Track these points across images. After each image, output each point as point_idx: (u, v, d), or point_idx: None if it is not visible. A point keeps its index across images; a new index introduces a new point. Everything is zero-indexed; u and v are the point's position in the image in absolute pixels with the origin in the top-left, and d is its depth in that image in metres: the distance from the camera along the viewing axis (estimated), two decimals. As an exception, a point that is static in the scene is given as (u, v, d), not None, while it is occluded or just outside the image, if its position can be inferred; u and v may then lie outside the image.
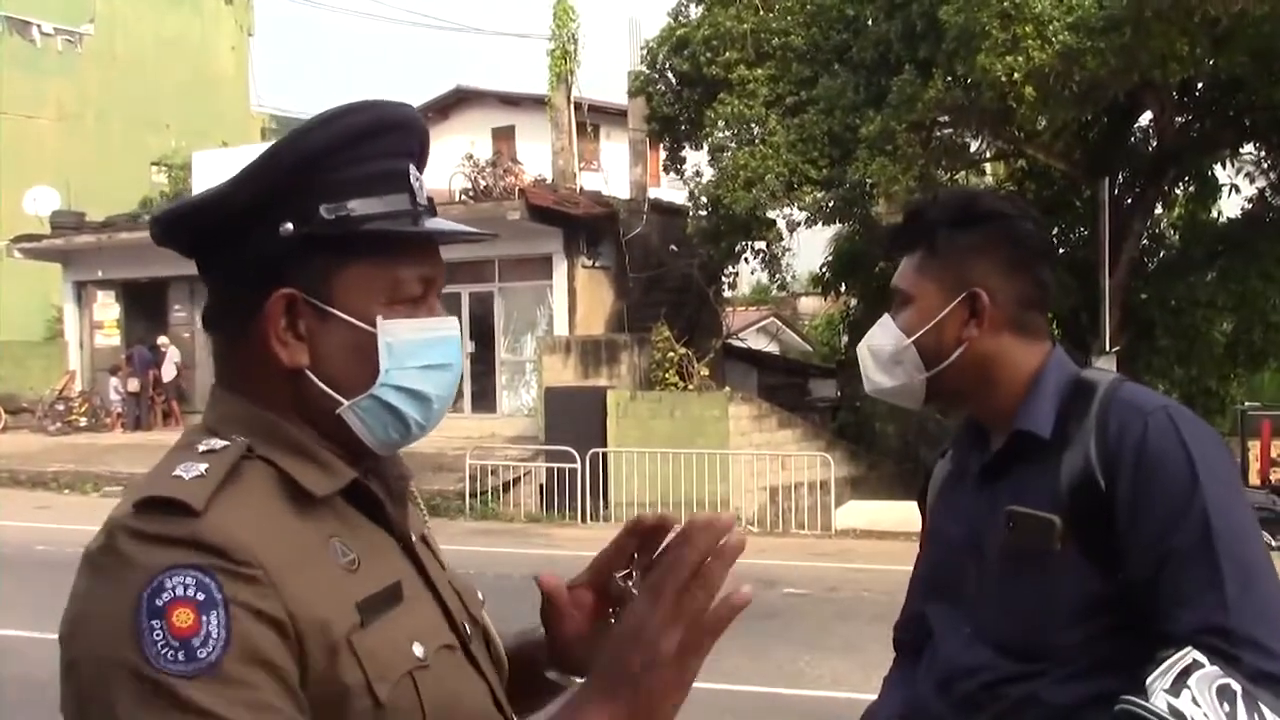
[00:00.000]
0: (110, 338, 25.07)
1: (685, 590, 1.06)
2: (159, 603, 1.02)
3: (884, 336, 1.90)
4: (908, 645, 2.07)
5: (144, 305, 24.36)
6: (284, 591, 1.07)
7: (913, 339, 1.85)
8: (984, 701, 1.77)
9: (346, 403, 1.22)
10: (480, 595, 1.42)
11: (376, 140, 1.24)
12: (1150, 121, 17.90)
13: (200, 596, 1.03)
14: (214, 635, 1.02)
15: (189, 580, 1.03)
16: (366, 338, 1.22)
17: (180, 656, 1.01)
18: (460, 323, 1.44)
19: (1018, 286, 1.85)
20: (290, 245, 1.20)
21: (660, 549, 1.21)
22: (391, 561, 1.24)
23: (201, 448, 1.17)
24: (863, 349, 1.95)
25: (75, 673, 1.05)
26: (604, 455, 16.74)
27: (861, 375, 1.95)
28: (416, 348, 1.24)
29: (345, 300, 1.22)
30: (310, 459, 1.20)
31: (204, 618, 1.02)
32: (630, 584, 1.31)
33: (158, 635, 1.01)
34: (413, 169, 1.28)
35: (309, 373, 1.21)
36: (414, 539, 1.30)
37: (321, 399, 1.22)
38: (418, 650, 1.18)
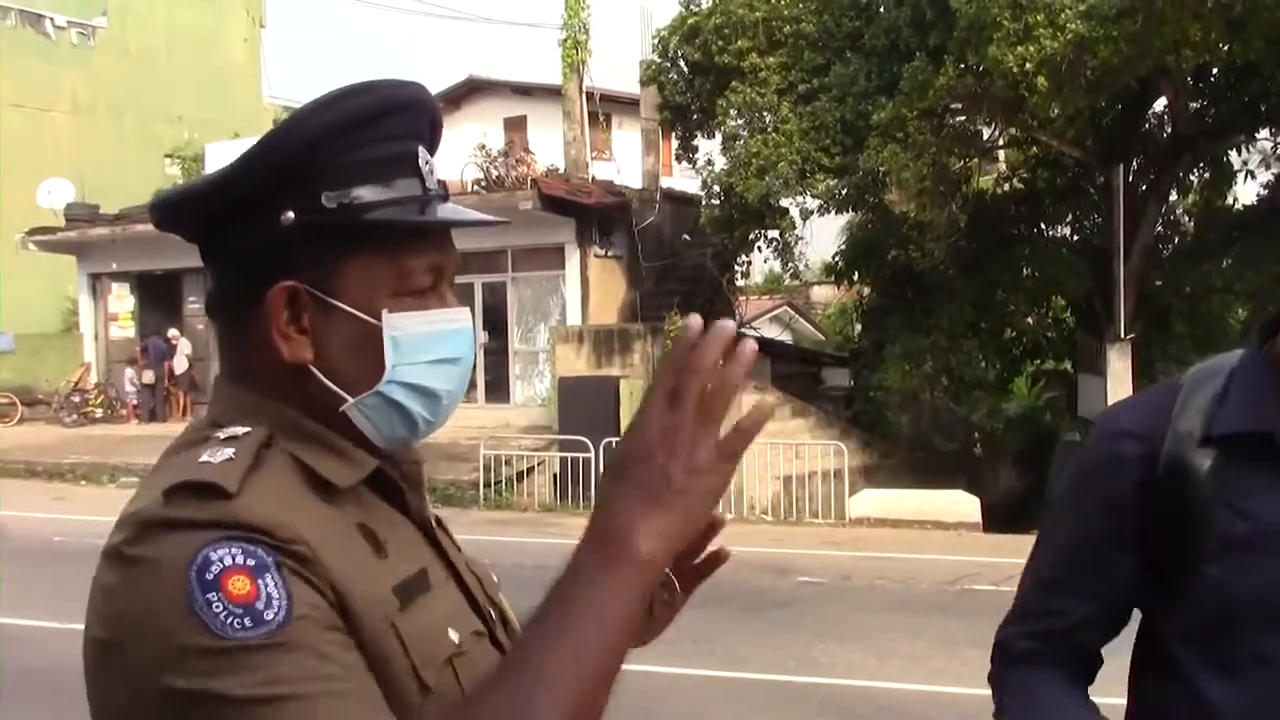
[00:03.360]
0: (125, 329, 25.13)
1: (704, 394, 1.01)
2: (209, 576, 0.97)
3: None
4: (1046, 656, 1.67)
5: (158, 297, 24.42)
6: (330, 569, 1.03)
7: None
8: None
9: (351, 400, 1.17)
10: (495, 578, 1.38)
11: (382, 122, 1.18)
12: (1164, 108, 17.83)
13: (250, 562, 0.98)
14: (275, 595, 0.98)
15: (234, 550, 0.99)
16: (372, 332, 1.16)
17: (247, 622, 0.96)
18: (473, 313, 1.38)
19: None
20: (292, 234, 1.14)
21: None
22: (416, 548, 1.20)
23: (223, 435, 1.12)
24: None
25: (121, 681, 0.99)
26: (617, 444, 16.73)
27: None
28: (424, 341, 1.19)
29: (350, 292, 1.16)
30: (330, 450, 1.15)
31: (260, 581, 0.98)
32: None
33: (218, 607, 0.96)
34: (422, 152, 1.22)
35: (312, 368, 1.16)
36: (433, 524, 1.27)
37: (326, 395, 1.16)
38: (454, 636, 1.15)
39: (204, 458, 1.07)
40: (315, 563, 1.02)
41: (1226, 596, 1.48)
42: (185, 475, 1.05)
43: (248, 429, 1.13)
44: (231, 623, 0.96)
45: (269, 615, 0.97)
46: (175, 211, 1.22)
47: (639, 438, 1.03)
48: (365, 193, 1.16)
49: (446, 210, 1.22)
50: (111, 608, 1.01)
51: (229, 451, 1.08)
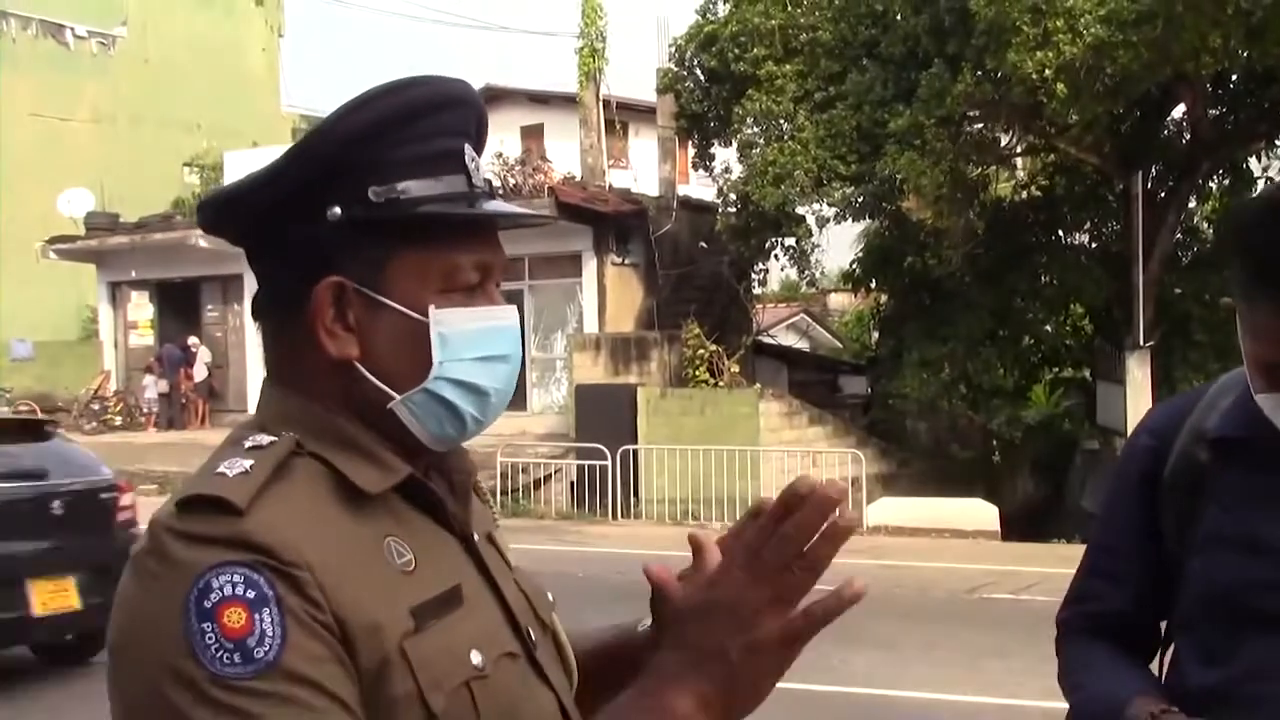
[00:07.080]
0: (144, 338, 25.27)
1: (787, 569, 1.01)
2: (207, 604, 0.98)
3: None
4: (1098, 633, 1.78)
5: (177, 305, 24.54)
6: (333, 594, 1.02)
7: None
8: None
9: (398, 397, 1.16)
10: (550, 596, 1.36)
11: (430, 118, 1.17)
12: (1183, 114, 17.75)
13: (250, 594, 0.98)
14: (269, 633, 0.98)
15: (236, 578, 0.99)
16: (419, 328, 1.16)
17: (237, 659, 0.96)
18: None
19: None
20: (338, 230, 1.14)
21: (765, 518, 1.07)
22: (451, 562, 1.18)
23: (248, 444, 1.11)
24: None
25: (126, 683, 1.01)
26: (634, 452, 16.75)
27: None
28: (471, 338, 1.18)
29: (397, 288, 1.15)
30: (363, 455, 1.14)
31: (256, 616, 0.98)
32: None
33: (210, 639, 0.97)
34: (469, 148, 1.21)
35: (359, 365, 1.15)
36: (478, 537, 1.24)
37: (372, 392, 1.16)
38: (476, 659, 1.11)
39: (221, 468, 1.07)
40: (316, 589, 1.01)
41: (1204, 589, 1.58)
42: (199, 487, 1.05)
43: (273, 438, 1.12)
44: (222, 656, 0.97)
45: (259, 653, 0.97)
46: (221, 212, 1.21)
47: (707, 591, 1.05)
48: (412, 187, 1.15)
49: (495, 206, 1.22)
50: (122, 614, 1.03)
51: (247, 464, 1.07)
